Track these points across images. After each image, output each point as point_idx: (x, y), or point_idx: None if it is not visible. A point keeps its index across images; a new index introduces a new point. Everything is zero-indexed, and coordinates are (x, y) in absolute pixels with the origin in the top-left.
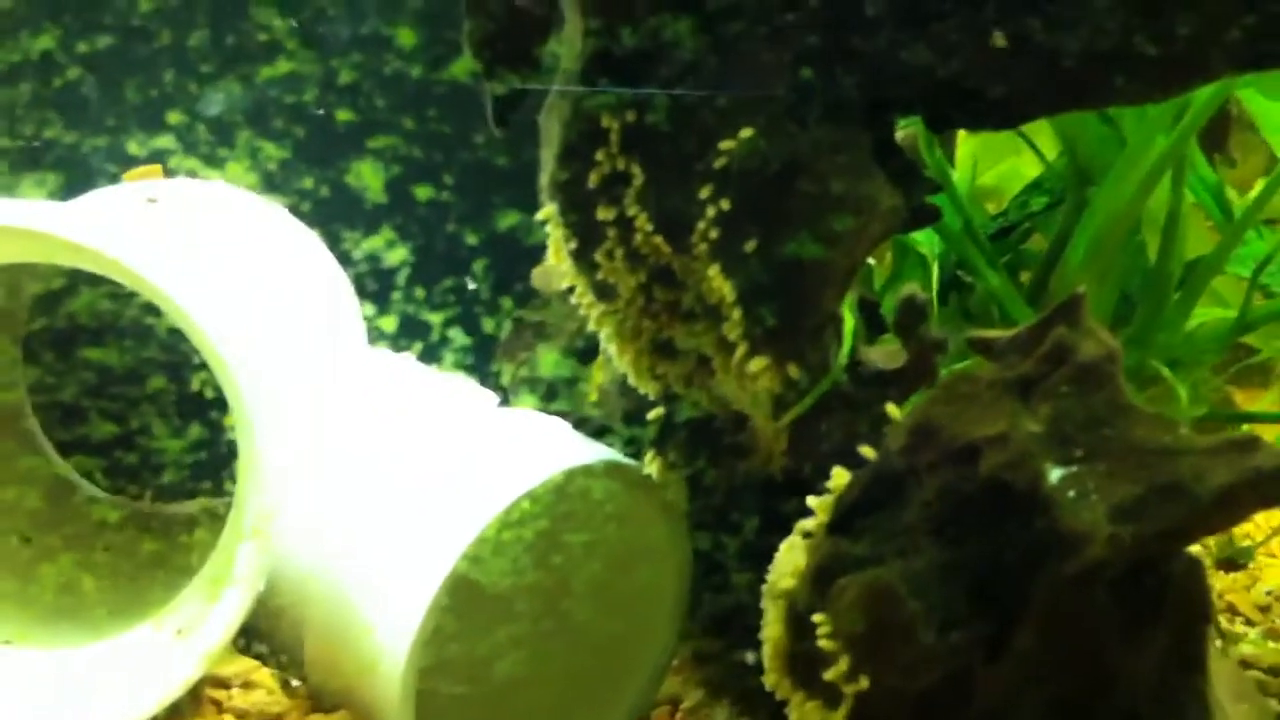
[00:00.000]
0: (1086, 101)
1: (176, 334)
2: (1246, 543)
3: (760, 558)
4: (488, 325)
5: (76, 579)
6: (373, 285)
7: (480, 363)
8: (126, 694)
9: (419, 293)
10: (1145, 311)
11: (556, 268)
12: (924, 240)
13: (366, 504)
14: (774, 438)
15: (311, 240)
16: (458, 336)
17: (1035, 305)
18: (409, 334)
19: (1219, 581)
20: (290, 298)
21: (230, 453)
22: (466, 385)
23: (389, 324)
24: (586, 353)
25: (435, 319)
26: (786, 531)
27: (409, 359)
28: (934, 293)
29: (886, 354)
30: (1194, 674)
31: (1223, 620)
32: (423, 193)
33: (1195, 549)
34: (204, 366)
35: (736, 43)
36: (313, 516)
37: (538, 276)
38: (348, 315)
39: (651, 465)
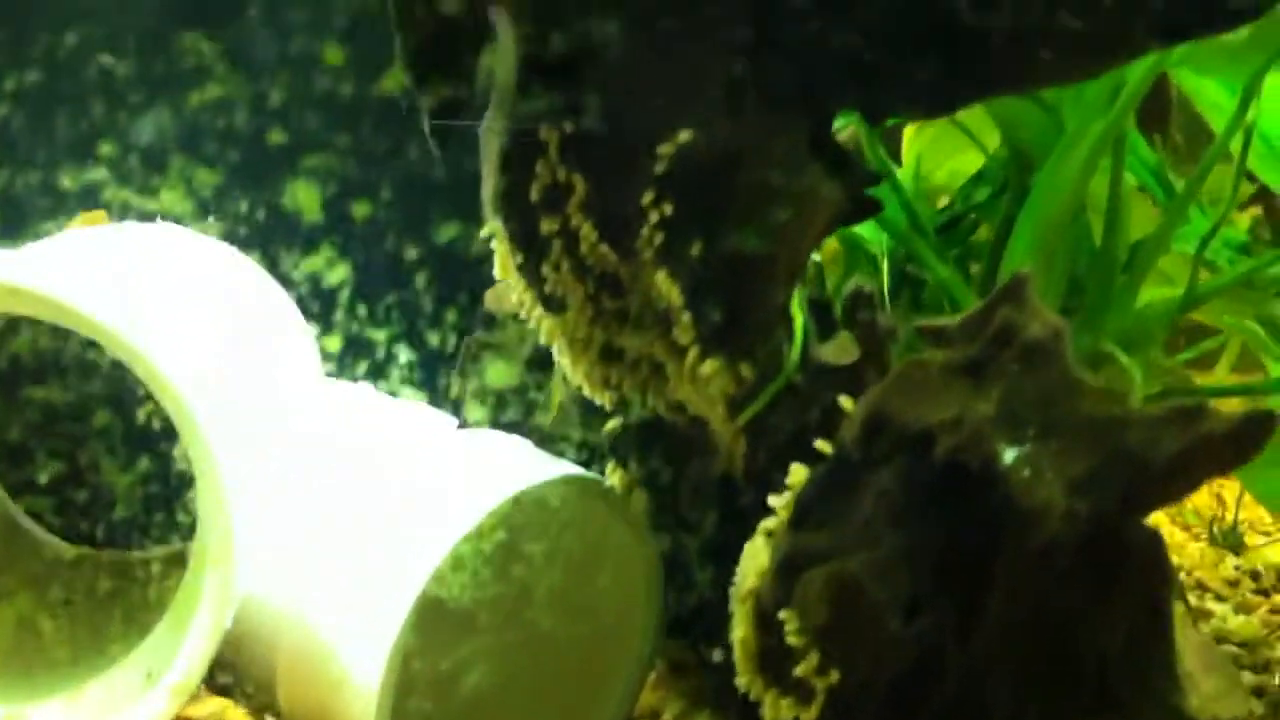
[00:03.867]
0: (1016, 81)
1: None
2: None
3: (728, 558)
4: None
5: (36, 626)
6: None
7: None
8: None
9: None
10: (1093, 294)
11: (508, 289)
12: (873, 238)
13: (331, 532)
14: (733, 439)
15: (262, 276)
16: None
17: (985, 294)
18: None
19: (1187, 559)
20: (243, 333)
21: (185, 494)
22: (425, 410)
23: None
24: (542, 366)
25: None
26: (753, 530)
27: (366, 387)
28: (885, 289)
29: (839, 349)
30: (1160, 644)
31: (1193, 597)
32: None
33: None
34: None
35: (667, 41)
36: (277, 548)
37: (490, 298)
38: (302, 349)
39: (613, 476)
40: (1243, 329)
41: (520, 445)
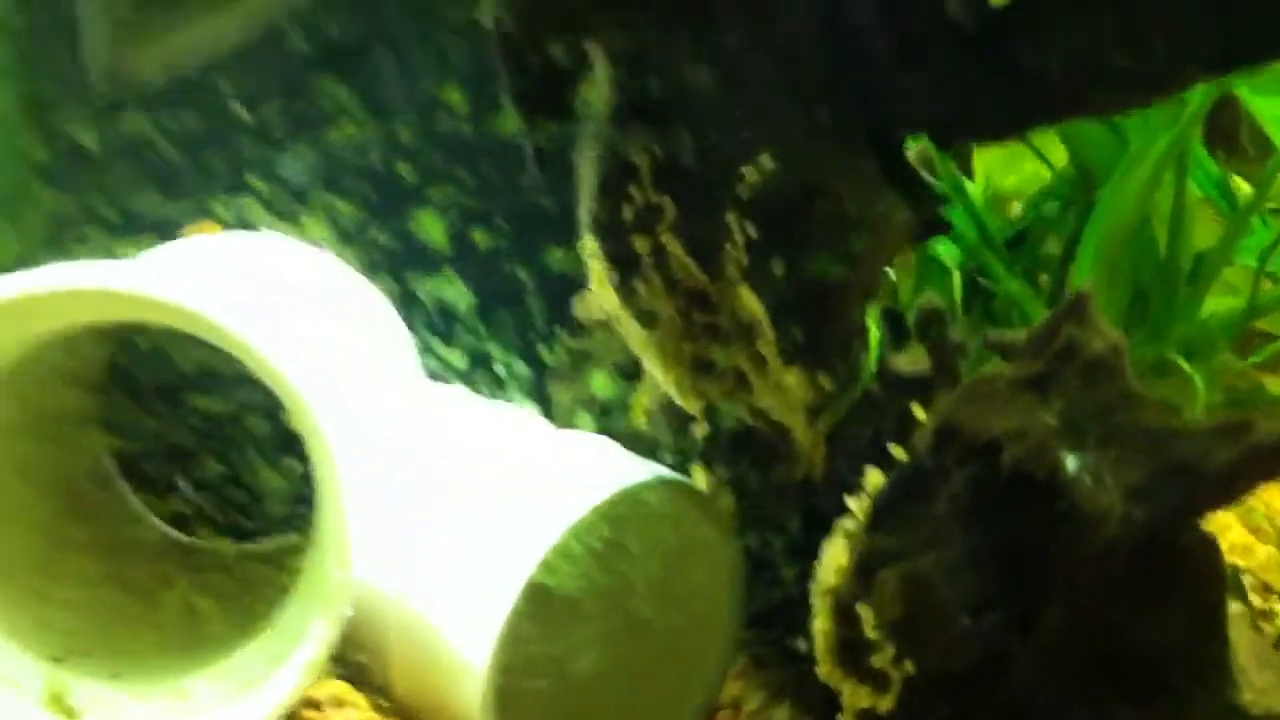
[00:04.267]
0: (1071, 112)
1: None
2: None
3: (809, 557)
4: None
5: (171, 618)
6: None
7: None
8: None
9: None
10: (1158, 305)
11: (597, 296)
12: (945, 251)
13: (440, 525)
14: (812, 445)
15: (363, 283)
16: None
17: (1053, 306)
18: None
19: (1254, 560)
20: (347, 335)
21: (304, 489)
22: (520, 412)
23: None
24: (631, 374)
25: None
26: (832, 530)
27: (462, 389)
28: (958, 301)
29: (912, 360)
30: (1213, 642)
31: (1259, 599)
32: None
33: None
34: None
35: (749, 80)
36: (387, 541)
37: (580, 306)
38: (402, 351)
39: (701, 478)
40: None
41: (614, 447)
